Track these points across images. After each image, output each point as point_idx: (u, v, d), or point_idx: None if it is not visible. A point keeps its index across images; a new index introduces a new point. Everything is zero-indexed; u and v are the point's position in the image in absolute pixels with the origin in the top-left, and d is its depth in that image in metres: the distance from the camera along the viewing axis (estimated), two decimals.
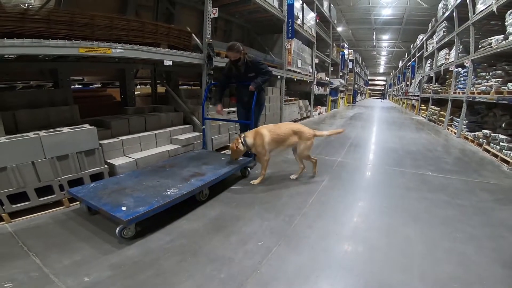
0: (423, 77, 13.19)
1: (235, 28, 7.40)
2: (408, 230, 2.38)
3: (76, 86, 5.76)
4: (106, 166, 3.02)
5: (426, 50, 12.76)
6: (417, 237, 2.27)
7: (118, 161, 3.16)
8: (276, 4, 6.53)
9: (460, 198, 3.11)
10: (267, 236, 2.22)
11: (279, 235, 2.23)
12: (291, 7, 7.05)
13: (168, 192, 2.49)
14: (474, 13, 6.78)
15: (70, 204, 2.68)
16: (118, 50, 3.03)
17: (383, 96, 35.81)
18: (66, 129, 2.74)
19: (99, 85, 6.67)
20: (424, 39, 13.34)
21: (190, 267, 1.83)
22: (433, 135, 7.61)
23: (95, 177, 2.92)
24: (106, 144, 3.15)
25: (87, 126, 2.89)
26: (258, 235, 2.23)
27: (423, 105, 13.08)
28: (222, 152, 4.68)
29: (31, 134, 2.53)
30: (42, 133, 2.57)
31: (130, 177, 2.86)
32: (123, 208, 2.16)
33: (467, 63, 7.03)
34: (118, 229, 2.08)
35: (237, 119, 4.23)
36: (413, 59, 17.17)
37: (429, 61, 12.37)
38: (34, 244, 2.04)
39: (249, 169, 3.60)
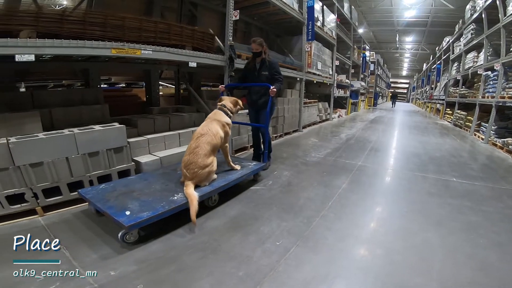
0: (449, 80, 12.71)
1: (254, 30, 7.48)
2: (428, 234, 2.34)
3: (103, 86, 6.06)
4: (133, 163, 3.16)
5: (453, 53, 12.28)
6: (438, 242, 2.24)
7: (143, 159, 3.29)
8: (296, 6, 6.54)
9: (485, 204, 3.01)
10: (285, 236, 2.26)
11: (297, 236, 2.26)
12: (311, 9, 7.03)
13: (175, 197, 2.44)
14: (505, 15, 6.48)
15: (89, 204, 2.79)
16: (147, 52, 3.17)
17: (394, 98, 25.42)
18: (97, 127, 2.90)
19: (124, 85, 6.98)
20: (450, 41, 12.85)
21: (210, 264, 1.89)
22: (458, 141, 7.33)
23: (123, 173, 3.06)
24: (133, 142, 3.28)
25: (116, 125, 3.03)
26: (276, 235, 2.27)
27: (448, 109, 12.59)
28: (239, 153, 4.76)
29: (66, 131, 2.70)
30: (76, 130, 2.73)
31: (140, 179, 2.85)
32: (127, 213, 2.14)
33: (498, 66, 6.73)
34: (120, 234, 2.05)
35: (255, 123, 4.02)
36: (438, 62, 16.55)
37: (455, 64, 11.90)
38: (65, 237, 2.13)
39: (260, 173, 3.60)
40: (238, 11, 4.31)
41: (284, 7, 5.89)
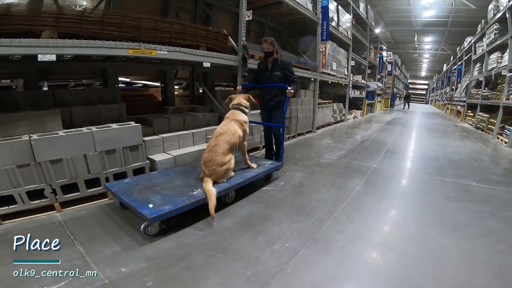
0: (470, 81, 12.24)
1: (267, 30, 7.46)
2: (444, 239, 2.27)
3: (121, 85, 6.23)
4: (147, 161, 3.22)
5: (475, 53, 11.83)
6: (454, 247, 2.17)
7: (158, 157, 3.35)
8: (310, 7, 6.47)
9: (506, 210, 2.88)
10: (295, 237, 2.24)
11: (308, 238, 2.24)
12: (325, 9, 6.94)
13: (195, 192, 2.53)
14: None
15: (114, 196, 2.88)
16: (162, 52, 3.23)
17: (406, 99, 22.74)
18: (114, 125, 2.97)
19: (141, 85, 7.14)
20: (472, 41, 12.38)
21: (219, 263, 1.90)
22: (480, 144, 7.04)
23: (138, 171, 3.12)
24: (148, 141, 3.35)
25: (133, 124, 3.10)
26: (286, 236, 2.25)
27: (469, 111, 12.13)
28: (252, 153, 4.76)
29: (84, 129, 2.79)
30: (94, 128, 2.82)
31: (162, 174, 2.98)
32: (150, 206, 2.24)
33: None
34: (142, 226, 2.15)
35: (270, 123, 3.95)
36: (459, 63, 15.99)
37: (478, 65, 11.45)
38: (80, 233, 2.22)
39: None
40: (251, 11, 4.32)
41: (297, 7, 5.85)
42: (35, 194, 2.50)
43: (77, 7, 4.06)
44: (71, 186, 2.69)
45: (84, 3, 4.18)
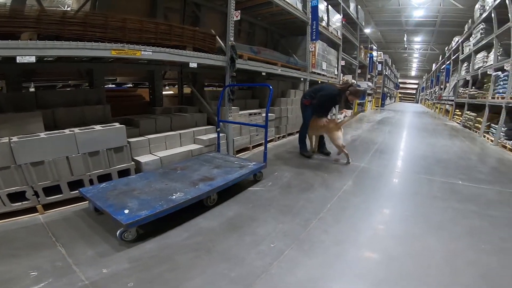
0: (458, 81, 12.46)
1: (258, 30, 7.46)
2: (429, 239, 2.29)
3: (110, 86, 6.14)
4: (133, 163, 3.19)
5: (462, 53, 12.05)
6: (438, 247, 2.18)
7: (144, 159, 3.32)
8: (300, 6, 6.48)
9: (491, 209, 2.92)
10: (280, 238, 2.24)
11: (293, 238, 2.24)
12: (315, 9, 6.95)
13: (174, 197, 2.47)
14: None
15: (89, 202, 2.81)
16: (146, 53, 3.19)
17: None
18: (98, 127, 2.93)
19: (131, 85, 7.05)
20: (460, 41, 12.61)
21: (203, 264, 1.89)
22: (467, 143, 7.16)
23: (123, 173, 3.09)
24: (134, 142, 3.31)
25: (117, 125, 3.06)
26: (271, 237, 2.25)
27: (457, 110, 12.35)
28: (240, 154, 4.75)
29: (67, 131, 2.74)
30: (76, 130, 2.77)
31: (141, 178, 2.89)
32: (126, 211, 2.17)
33: (508, 66, 6.55)
34: (118, 232, 2.08)
35: (254, 123, 4.21)
36: (447, 62, 16.28)
37: (465, 64, 11.67)
38: (62, 235, 2.19)
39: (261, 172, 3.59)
40: (239, 11, 4.30)
41: (287, 7, 5.84)
42: (16, 197, 2.45)
43: (65, 7, 3.95)
44: (55, 188, 2.64)
45: (70, 3, 4.09)
